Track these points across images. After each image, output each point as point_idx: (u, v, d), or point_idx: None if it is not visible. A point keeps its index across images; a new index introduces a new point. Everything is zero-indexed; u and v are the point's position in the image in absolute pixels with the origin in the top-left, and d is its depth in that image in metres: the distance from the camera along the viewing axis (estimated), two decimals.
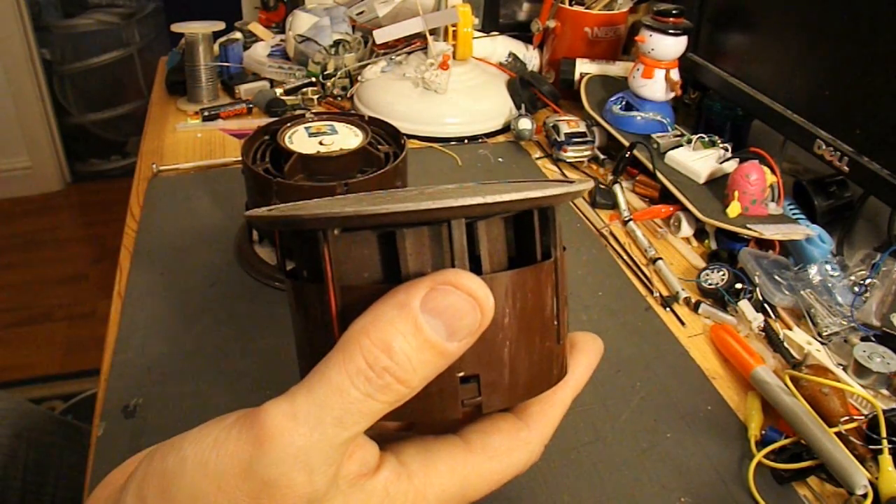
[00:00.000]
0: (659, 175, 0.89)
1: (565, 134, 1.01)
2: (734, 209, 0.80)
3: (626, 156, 0.94)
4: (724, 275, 0.75)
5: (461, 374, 0.26)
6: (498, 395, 0.27)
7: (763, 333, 0.70)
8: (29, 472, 0.75)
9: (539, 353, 0.28)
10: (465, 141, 1.07)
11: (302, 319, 0.28)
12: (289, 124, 0.73)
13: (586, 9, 1.16)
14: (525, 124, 1.05)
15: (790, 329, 0.70)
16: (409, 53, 1.14)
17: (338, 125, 0.74)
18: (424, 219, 0.25)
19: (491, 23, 1.30)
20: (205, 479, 0.23)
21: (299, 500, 0.23)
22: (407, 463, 0.26)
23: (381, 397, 0.23)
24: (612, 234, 0.86)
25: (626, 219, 0.87)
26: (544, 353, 0.28)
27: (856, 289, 0.70)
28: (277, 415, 0.23)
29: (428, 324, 0.23)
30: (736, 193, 0.80)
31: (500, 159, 1.03)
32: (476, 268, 0.26)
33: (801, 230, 0.77)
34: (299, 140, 0.71)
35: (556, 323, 0.28)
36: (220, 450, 0.23)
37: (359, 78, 1.16)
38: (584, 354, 0.31)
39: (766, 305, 0.72)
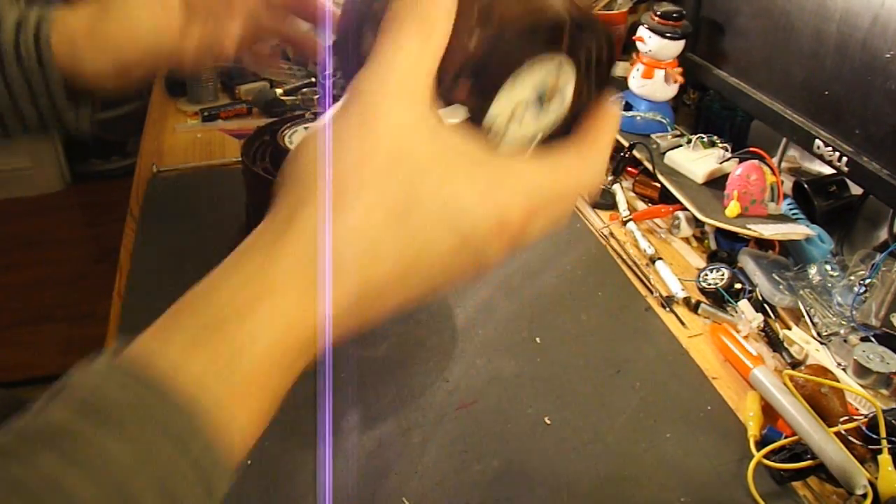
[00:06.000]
0: (659, 175, 0.89)
1: None
2: (734, 209, 0.80)
3: (626, 156, 0.94)
4: (723, 275, 0.75)
5: None
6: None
7: (763, 333, 0.70)
8: None
9: None
10: None
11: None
12: (289, 124, 0.73)
13: None
14: None
15: (790, 329, 0.70)
16: None
17: None
18: None
19: None
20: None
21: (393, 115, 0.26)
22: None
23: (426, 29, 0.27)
24: (611, 234, 0.86)
25: (626, 219, 0.87)
26: None
27: (856, 289, 0.70)
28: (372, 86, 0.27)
29: None
30: (736, 193, 0.80)
31: None
32: None
33: (801, 230, 0.77)
34: (299, 140, 0.71)
35: None
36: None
37: None
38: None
39: (765, 305, 0.72)
